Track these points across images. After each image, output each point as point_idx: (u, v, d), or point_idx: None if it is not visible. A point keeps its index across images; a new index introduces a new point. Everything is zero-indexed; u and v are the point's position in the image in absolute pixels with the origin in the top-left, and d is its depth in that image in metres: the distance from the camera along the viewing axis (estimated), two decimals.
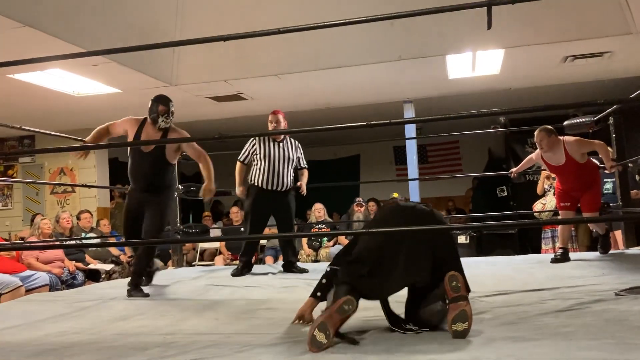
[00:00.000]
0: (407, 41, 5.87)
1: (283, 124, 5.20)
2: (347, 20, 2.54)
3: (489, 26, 2.16)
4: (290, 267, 5.28)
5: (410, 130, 7.82)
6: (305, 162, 5.44)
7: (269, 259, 7.59)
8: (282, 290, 4.14)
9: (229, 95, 7.24)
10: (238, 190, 5.31)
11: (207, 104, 7.58)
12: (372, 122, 2.25)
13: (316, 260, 7.52)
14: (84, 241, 6.92)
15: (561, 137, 4.90)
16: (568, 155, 4.79)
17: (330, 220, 8.60)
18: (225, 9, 5.89)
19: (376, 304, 2.59)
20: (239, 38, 2.62)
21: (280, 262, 7.11)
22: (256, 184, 5.18)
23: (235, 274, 5.03)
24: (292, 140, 5.34)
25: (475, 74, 6.77)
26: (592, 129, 5.31)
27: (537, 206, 6.99)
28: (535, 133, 4.87)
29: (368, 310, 2.71)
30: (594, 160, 5.06)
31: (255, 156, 5.21)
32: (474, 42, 5.66)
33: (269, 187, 5.15)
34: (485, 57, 6.11)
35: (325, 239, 7.82)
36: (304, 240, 7.83)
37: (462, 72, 6.67)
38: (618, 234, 5.90)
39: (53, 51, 4.27)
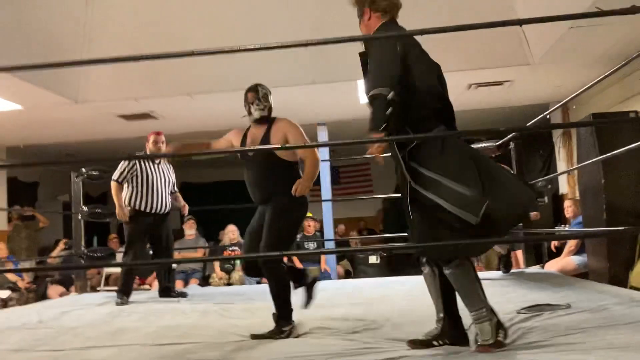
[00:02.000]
0: (321, 66, 5.96)
1: (164, 146, 5.08)
2: (261, 46, 2.54)
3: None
4: (168, 292, 5.16)
5: (324, 152, 7.90)
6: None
7: (179, 283, 7.37)
8: (194, 316, 4.03)
9: (139, 113, 7.03)
10: (120, 211, 4.96)
11: (116, 122, 7.32)
12: (286, 145, 2.24)
13: (229, 284, 7.38)
14: None
15: None
16: None
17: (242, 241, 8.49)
18: (135, 26, 5.75)
19: None
20: (150, 59, 2.56)
21: (192, 285, 6.96)
22: (137, 207, 4.98)
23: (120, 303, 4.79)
24: (167, 162, 5.29)
25: None
26: (495, 153, 5.58)
27: None
28: None
29: None
30: None
31: (133, 177, 4.99)
32: None
33: (152, 210, 5.02)
34: None
35: (238, 262, 7.69)
36: (216, 264, 7.68)
37: None
38: (519, 254, 6.20)
39: None
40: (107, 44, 5.67)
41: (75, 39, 5.65)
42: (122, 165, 5.04)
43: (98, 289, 7.31)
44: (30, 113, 6.59)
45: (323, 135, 8.00)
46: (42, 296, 7.28)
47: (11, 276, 6.96)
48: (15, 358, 2.87)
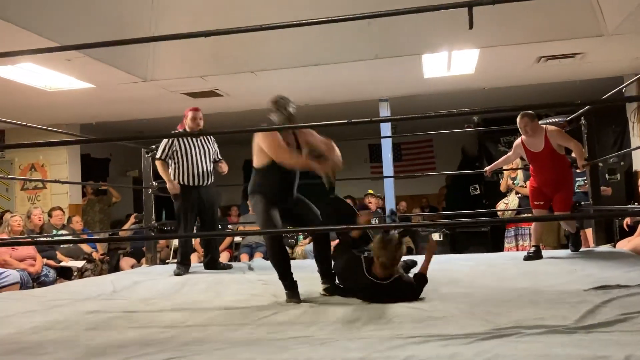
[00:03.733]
0: (384, 40, 5.89)
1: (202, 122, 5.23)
2: (324, 19, 2.53)
3: (471, 26, 2.18)
4: (214, 264, 5.27)
5: (386, 128, 7.86)
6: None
7: (244, 257, 7.55)
8: (259, 286, 4.12)
9: (205, 91, 7.17)
10: (170, 185, 5.14)
11: (183, 100, 7.50)
12: (353, 120, 2.25)
13: (292, 258, 7.49)
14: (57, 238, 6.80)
15: (543, 125, 5.00)
16: (547, 142, 4.87)
17: None
18: (201, 4, 5.83)
19: None
20: (217, 34, 2.59)
21: (257, 258, 7.11)
22: (181, 182, 5.12)
23: (177, 273, 4.95)
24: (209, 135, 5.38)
25: (451, 74, 6.82)
26: (564, 129, 5.39)
27: (500, 206, 7.10)
28: (518, 120, 4.93)
29: None
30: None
31: (174, 153, 5.14)
32: (449, 42, 5.70)
33: (193, 183, 5.13)
34: (461, 56, 6.15)
35: (301, 236, 7.80)
36: None
37: (437, 72, 6.71)
38: (589, 232, 6.00)
39: (25, 44, 4.18)
40: (175, 22, 5.78)
41: (143, 16, 5.79)
42: (164, 143, 5.20)
43: (167, 261, 7.57)
44: (101, 91, 6.84)
45: (385, 112, 7.94)
46: (115, 267, 7.61)
47: (86, 247, 7.30)
48: (96, 321, 3.01)
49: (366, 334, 2.39)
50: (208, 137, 5.34)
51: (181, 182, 5.12)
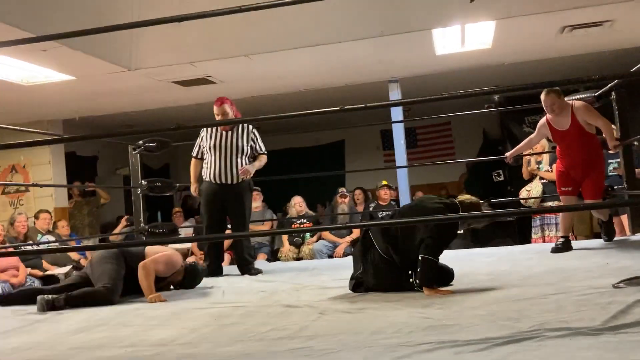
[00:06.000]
0: (390, 15, 5.83)
1: (231, 113, 5.20)
2: None
3: None
4: (244, 268, 5.34)
5: (397, 112, 7.80)
6: (263, 147, 5.45)
7: (262, 256, 7.53)
8: (261, 294, 4.12)
9: (196, 78, 7.16)
10: (191, 187, 5.46)
11: (172, 89, 7.49)
12: (345, 107, 2.22)
13: (298, 258, 7.50)
14: (44, 246, 6.83)
15: (569, 101, 4.95)
16: (574, 119, 4.83)
17: (312, 213, 8.58)
18: None
19: None
20: (198, 18, 2.58)
21: (260, 260, 7.10)
22: (206, 178, 5.27)
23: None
24: (243, 127, 5.33)
25: (465, 49, 6.75)
26: (594, 104, 5.33)
27: (523, 193, 7.04)
28: (543, 97, 4.88)
29: None
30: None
31: (204, 149, 5.31)
32: (461, 14, 5.63)
33: (219, 181, 5.17)
34: (475, 30, 6.09)
35: (308, 234, 7.80)
36: (285, 237, 7.80)
37: (450, 48, 6.65)
38: (624, 219, 5.94)
39: None
40: (159, 6, 5.76)
41: (125, 1, 5.77)
42: (197, 139, 5.38)
43: None
44: (83, 83, 6.84)
45: (395, 94, 7.89)
46: None
47: (74, 255, 7.34)
48: (79, 338, 3.01)
49: (371, 343, 2.37)
50: (242, 130, 5.31)
51: (206, 179, 5.29)
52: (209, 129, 5.26)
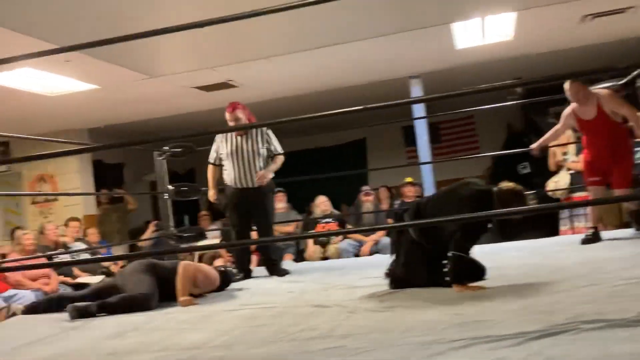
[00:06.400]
0: (407, 11, 5.79)
1: (244, 118, 5.21)
2: None
3: None
4: (273, 269, 5.37)
5: (419, 109, 7.76)
6: (279, 148, 5.44)
7: (288, 256, 7.54)
8: (290, 295, 4.13)
9: (218, 83, 7.21)
10: (209, 193, 5.47)
11: (195, 94, 7.55)
12: (368, 106, 2.22)
13: (325, 258, 7.49)
14: (76, 255, 6.90)
15: (594, 90, 4.89)
16: (600, 108, 4.76)
17: (337, 212, 8.56)
18: None
19: None
20: (218, 23, 2.60)
21: (286, 261, 7.12)
22: (228, 184, 5.30)
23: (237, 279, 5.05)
24: (257, 130, 5.31)
25: (486, 42, 6.69)
26: (619, 93, 5.25)
27: (550, 185, 6.95)
28: (568, 87, 4.83)
29: None
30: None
31: (221, 155, 5.32)
32: (481, 6, 5.58)
33: (240, 185, 5.21)
34: (496, 22, 6.03)
35: None
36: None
37: (471, 41, 6.59)
38: None
39: (19, 48, 4.24)
40: (178, 12, 5.80)
41: (144, 9, 5.82)
42: (213, 145, 5.38)
43: None
44: (107, 92, 6.92)
45: (417, 90, 7.85)
46: None
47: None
48: (114, 343, 3.05)
49: (404, 341, 2.36)
50: (253, 135, 5.30)
51: (228, 184, 5.32)
52: (224, 135, 5.27)
